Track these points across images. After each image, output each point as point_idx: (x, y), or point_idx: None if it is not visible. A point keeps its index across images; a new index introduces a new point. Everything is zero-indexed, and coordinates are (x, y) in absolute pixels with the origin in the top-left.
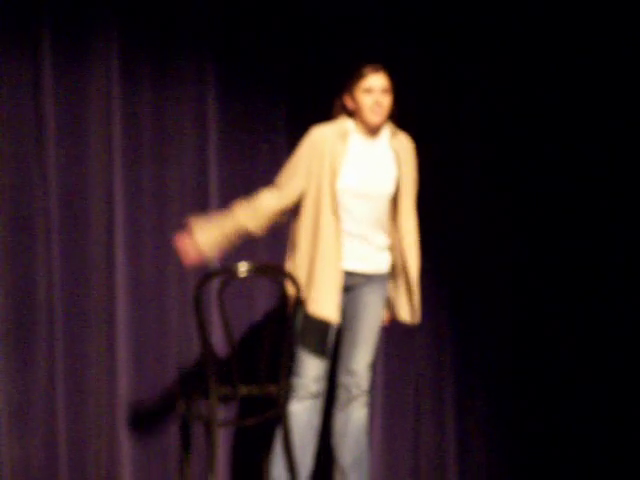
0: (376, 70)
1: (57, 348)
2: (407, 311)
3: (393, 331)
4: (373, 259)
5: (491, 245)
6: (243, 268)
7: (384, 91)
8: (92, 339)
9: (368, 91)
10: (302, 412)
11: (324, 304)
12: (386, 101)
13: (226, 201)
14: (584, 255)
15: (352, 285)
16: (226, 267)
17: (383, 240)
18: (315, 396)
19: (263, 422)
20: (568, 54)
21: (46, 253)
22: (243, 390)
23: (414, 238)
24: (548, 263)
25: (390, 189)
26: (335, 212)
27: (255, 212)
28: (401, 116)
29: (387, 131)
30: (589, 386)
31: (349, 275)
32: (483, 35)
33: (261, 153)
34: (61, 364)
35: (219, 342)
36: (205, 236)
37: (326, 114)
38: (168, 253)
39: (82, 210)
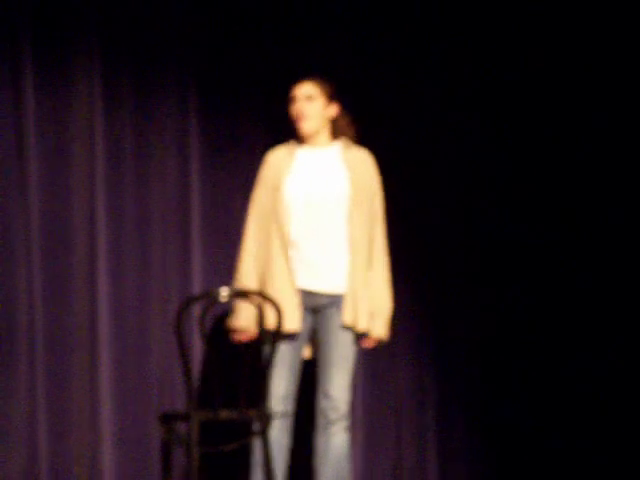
0: (301, 79)
1: (38, 370)
2: (346, 315)
3: (374, 352)
4: (329, 277)
5: (473, 259)
6: (224, 293)
7: (307, 98)
8: (74, 362)
9: (292, 100)
10: (272, 435)
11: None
12: (310, 108)
13: (209, 223)
14: (565, 267)
15: (317, 306)
16: (207, 292)
17: (339, 257)
18: (281, 415)
19: (242, 447)
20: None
21: (27, 274)
22: (223, 414)
23: (360, 249)
24: (532, 275)
25: (336, 197)
26: (283, 225)
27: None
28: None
29: (339, 145)
30: (577, 410)
31: (310, 295)
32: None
33: (244, 172)
34: (42, 387)
35: (201, 365)
36: (244, 320)
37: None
38: (150, 276)
39: (64, 231)
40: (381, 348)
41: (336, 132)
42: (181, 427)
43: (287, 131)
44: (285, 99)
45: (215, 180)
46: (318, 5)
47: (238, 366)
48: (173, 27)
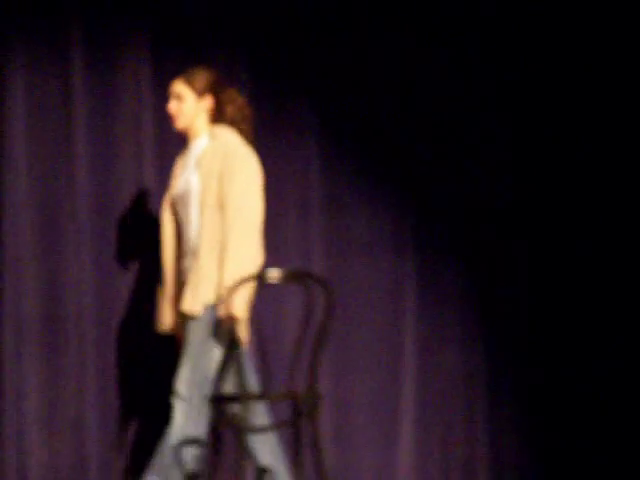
0: (173, 77)
1: (89, 359)
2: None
3: (425, 342)
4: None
5: (521, 254)
6: (273, 274)
7: (176, 97)
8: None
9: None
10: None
11: None
12: (177, 107)
13: None
14: (622, 265)
15: None
16: (257, 273)
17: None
18: None
19: (293, 428)
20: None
21: (75, 257)
22: (272, 395)
23: (204, 235)
24: (582, 272)
25: (189, 191)
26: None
27: None
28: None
29: (206, 134)
30: (628, 404)
31: None
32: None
33: (292, 160)
34: (92, 369)
35: (250, 348)
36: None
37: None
38: None
39: (112, 213)
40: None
41: (221, 119)
42: (232, 409)
43: (338, 107)
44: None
45: (263, 160)
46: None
47: (286, 348)
48: (223, 17)
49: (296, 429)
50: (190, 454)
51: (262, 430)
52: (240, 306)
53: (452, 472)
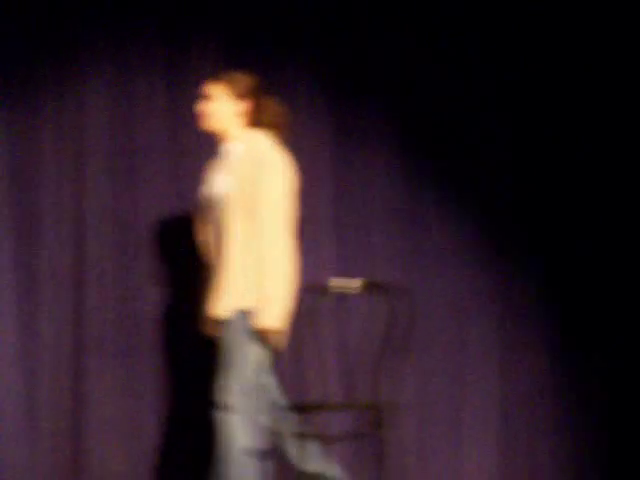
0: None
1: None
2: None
3: (508, 351)
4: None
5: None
6: (356, 284)
7: (208, 98)
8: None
9: None
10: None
11: None
12: (208, 107)
13: (339, 217)
14: None
15: None
16: (339, 283)
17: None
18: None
19: (375, 437)
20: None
21: (149, 263)
22: (355, 405)
23: (230, 242)
24: None
25: (220, 197)
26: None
27: None
28: None
29: (241, 138)
30: None
31: None
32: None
33: (374, 170)
34: (165, 374)
35: (332, 357)
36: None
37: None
38: None
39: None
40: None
41: (258, 124)
42: (314, 418)
43: (420, 118)
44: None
45: (346, 169)
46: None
47: (368, 357)
48: (300, 22)
49: (378, 439)
50: (254, 468)
51: (344, 439)
52: (279, 317)
53: None
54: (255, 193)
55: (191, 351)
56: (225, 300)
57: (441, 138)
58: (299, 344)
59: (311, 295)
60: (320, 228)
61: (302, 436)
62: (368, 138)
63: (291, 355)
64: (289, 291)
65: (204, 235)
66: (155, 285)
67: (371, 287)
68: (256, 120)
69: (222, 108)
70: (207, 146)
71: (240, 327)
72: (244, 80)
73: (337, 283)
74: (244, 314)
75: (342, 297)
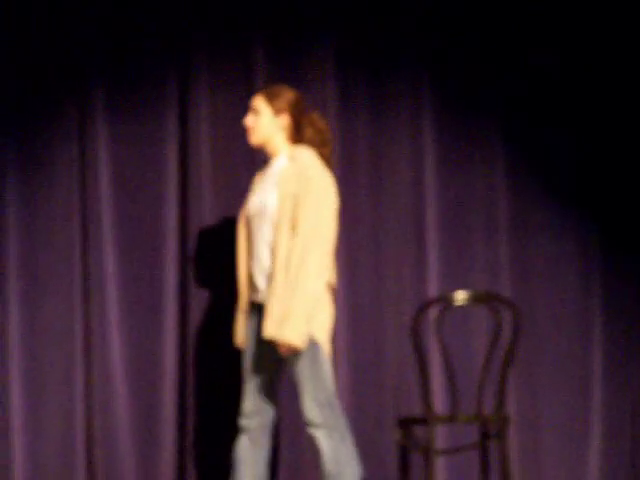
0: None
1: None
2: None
3: (612, 362)
4: (259, 288)
5: None
6: (461, 296)
7: (253, 111)
8: None
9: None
10: (238, 449)
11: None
12: (252, 120)
13: (444, 225)
14: None
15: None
16: (443, 295)
17: (265, 270)
18: (243, 431)
19: (481, 450)
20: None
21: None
22: (461, 418)
23: (278, 260)
24: None
25: (264, 210)
26: (239, 242)
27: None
28: None
29: (286, 155)
30: None
31: (255, 306)
32: None
33: (479, 183)
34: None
35: (437, 369)
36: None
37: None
38: (384, 281)
39: None
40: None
41: (301, 140)
42: (418, 431)
43: (526, 136)
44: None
45: (451, 181)
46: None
47: (474, 370)
48: (408, 35)
49: (484, 451)
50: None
51: (449, 452)
52: (300, 336)
53: None
54: (297, 210)
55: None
56: (293, 326)
57: (545, 148)
58: (403, 357)
59: (416, 308)
60: (424, 241)
61: (406, 449)
62: (472, 149)
63: (395, 368)
64: (310, 309)
65: (246, 248)
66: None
67: (477, 299)
68: (298, 135)
69: (264, 121)
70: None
71: (310, 351)
72: (284, 94)
73: (442, 295)
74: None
75: (447, 309)
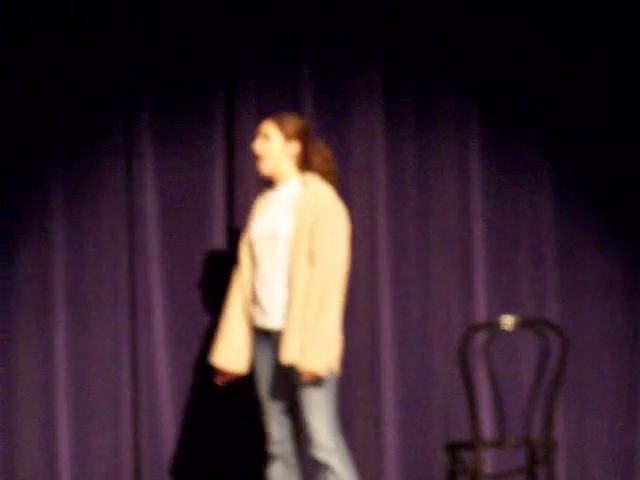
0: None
1: None
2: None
3: None
4: (270, 315)
5: None
6: (508, 321)
7: (264, 137)
8: (358, 393)
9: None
10: (273, 475)
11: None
12: (264, 148)
13: (491, 249)
14: None
15: (272, 342)
16: (490, 320)
17: (278, 296)
18: (275, 458)
19: (528, 475)
20: None
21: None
22: (509, 442)
23: (295, 286)
24: None
25: (277, 236)
26: (242, 268)
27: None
28: None
29: (298, 181)
30: None
31: (264, 332)
32: None
33: (526, 206)
34: None
35: (485, 395)
36: (222, 359)
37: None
38: (432, 305)
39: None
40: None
41: (308, 167)
42: (466, 455)
43: (574, 157)
44: (567, 127)
45: (497, 204)
46: None
47: (521, 394)
48: (455, 57)
49: (532, 476)
50: None
51: (497, 477)
52: (323, 364)
53: None
54: (313, 240)
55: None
56: (314, 354)
57: (593, 169)
58: (450, 382)
59: (463, 333)
60: (471, 265)
61: (454, 474)
62: (518, 171)
63: (443, 392)
64: (333, 337)
65: (249, 272)
66: None
67: (524, 324)
68: (306, 163)
69: (275, 148)
70: None
71: (328, 379)
72: (294, 121)
73: (489, 320)
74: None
75: (494, 334)
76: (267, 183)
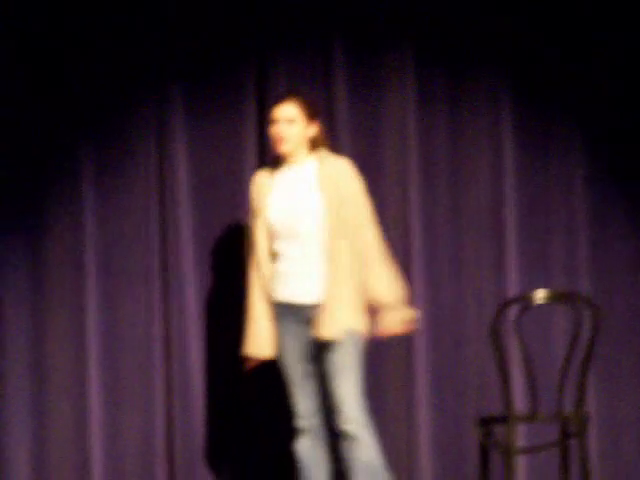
0: (281, 101)
1: None
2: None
3: None
4: (308, 289)
5: None
6: (540, 295)
7: (288, 121)
8: (389, 368)
9: (272, 122)
10: (302, 450)
11: None
12: (289, 131)
13: (524, 223)
14: None
15: (306, 318)
16: (523, 294)
17: (316, 270)
18: (303, 433)
19: (561, 449)
20: None
21: None
22: (541, 416)
23: (335, 258)
24: None
25: (310, 211)
26: (257, 246)
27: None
28: None
29: (315, 158)
30: None
31: (297, 307)
32: None
33: (558, 181)
34: None
35: (517, 369)
36: (253, 347)
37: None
38: (464, 281)
39: None
40: None
41: (314, 145)
42: (498, 430)
43: (606, 137)
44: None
45: (529, 179)
46: None
47: (553, 369)
48: (488, 36)
49: (564, 450)
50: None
51: (529, 451)
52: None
53: None
54: (347, 212)
55: None
56: (337, 322)
57: (625, 150)
58: (483, 356)
59: (496, 308)
60: (503, 241)
61: (486, 448)
62: (551, 149)
63: (476, 367)
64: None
65: (262, 249)
66: None
67: (556, 298)
68: (317, 142)
69: (299, 131)
70: None
71: (351, 345)
72: (313, 103)
73: (521, 295)
74: (352, 332)
75: (527, 309)
76: (272, 161)
